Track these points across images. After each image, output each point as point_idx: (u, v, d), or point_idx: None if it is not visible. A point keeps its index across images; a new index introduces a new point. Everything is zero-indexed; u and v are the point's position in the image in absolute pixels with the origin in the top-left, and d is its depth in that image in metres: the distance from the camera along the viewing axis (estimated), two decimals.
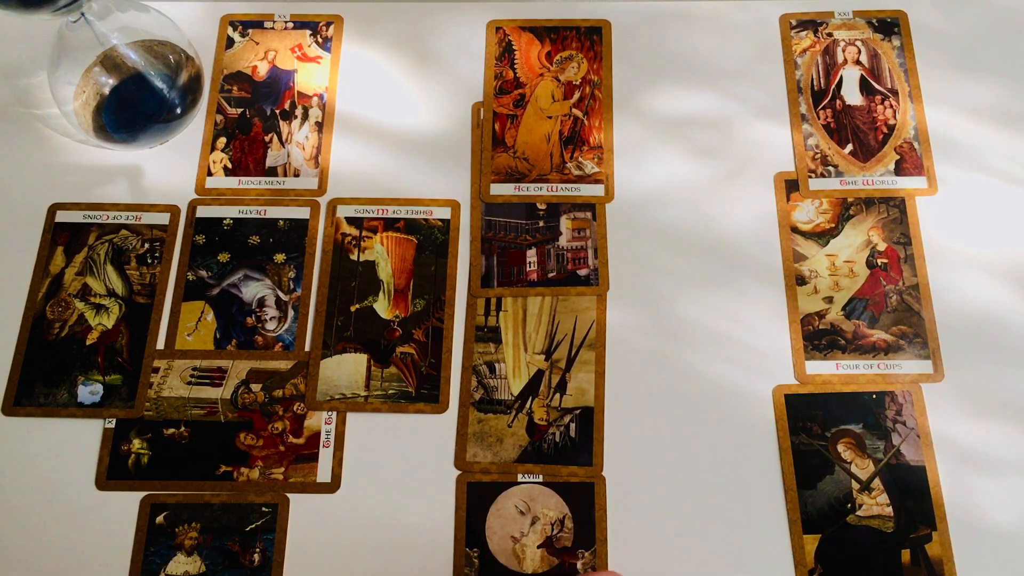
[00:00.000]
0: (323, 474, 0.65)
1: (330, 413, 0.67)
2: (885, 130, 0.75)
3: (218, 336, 0.70)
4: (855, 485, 0.64)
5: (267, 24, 0.80)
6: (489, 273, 0.71)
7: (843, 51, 0.77)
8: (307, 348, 0.69)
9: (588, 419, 0.66)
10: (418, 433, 0.66)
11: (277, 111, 0.77)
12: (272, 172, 0.75)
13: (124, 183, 0.75)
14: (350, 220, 0.73)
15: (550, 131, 0.75)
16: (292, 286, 0.71)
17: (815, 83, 0.77)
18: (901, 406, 0.66)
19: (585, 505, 0.60)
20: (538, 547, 0.58)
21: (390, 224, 0.73)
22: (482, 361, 0.68)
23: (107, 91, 0.74)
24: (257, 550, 0.63)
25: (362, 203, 0.74)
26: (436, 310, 0.70)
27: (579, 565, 0.56)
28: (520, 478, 0.61)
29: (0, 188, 0.75)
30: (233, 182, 0.75)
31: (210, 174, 0.75)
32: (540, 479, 0.60)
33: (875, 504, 0.63)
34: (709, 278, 0.71)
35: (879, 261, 0.70)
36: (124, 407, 0.67)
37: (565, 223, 0.72)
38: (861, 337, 0.68)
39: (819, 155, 0.74)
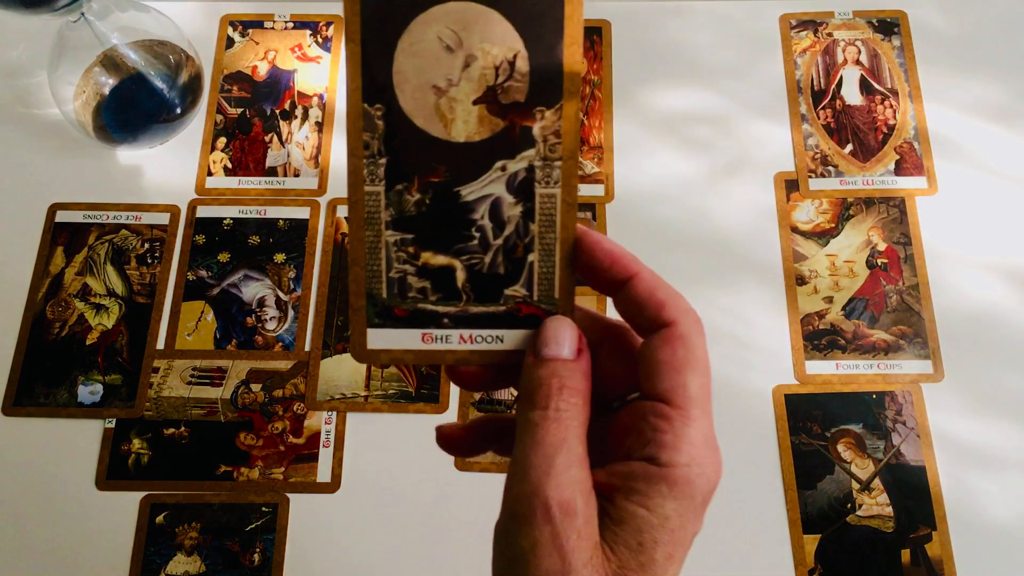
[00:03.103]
0: (323, 474, 0.65)
1: (330, 413, 0.67)
2: (885, 130, 0.75)
3: (218, 336, 0.70)
4: (855, 485, 0.64)
5: (267, 24, 0.80)
6: None
7: (843, 51, 0.77)
8: (307, 348, 0.69)
9: None
10: (418, 433, 0.66)
11: (277, 111, 0.77)
12: (272, 172, 0.75)
13: (124, 183, 0.75)
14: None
15: None
16: (292, 286, 0.71)
17: (815, 83, 0.77)
18: (901, 406, 0.66)
19: (548, 35, 0.35)
20: (474, 102, 0.36)
21: None
22: None
23: (107, 91, 0.74)
24: (257, 550, 0.63)
25: None
26: None
27: (536, 129, 0.35)
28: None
29: (0, 188, 0.75)
30: (233, 182, 0.75)
31: (210, 174, 0.75)
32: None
33: (875, 504, 0.63)
34: (709, 278, 0.71)
35: (879, 261, 0.70)
36: (124, 407, 0.67)
37: None
38: (861, 337, 0.68)
39: (819, 155, 0.74)
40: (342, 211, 0.73)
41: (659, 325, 0.32)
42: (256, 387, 0.68)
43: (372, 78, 0.34)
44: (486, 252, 0.35)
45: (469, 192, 0.35)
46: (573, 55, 0.34)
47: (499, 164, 0.35)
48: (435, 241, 0.35)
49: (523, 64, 0.35)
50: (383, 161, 0.35)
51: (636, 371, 0.33)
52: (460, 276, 0.36)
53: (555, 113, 0.35)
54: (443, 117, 0.36)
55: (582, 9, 0.34)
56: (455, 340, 0.35)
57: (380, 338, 0.36)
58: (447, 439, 0.38)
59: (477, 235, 0.35)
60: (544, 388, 0.31)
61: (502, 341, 0.35)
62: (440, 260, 0.36)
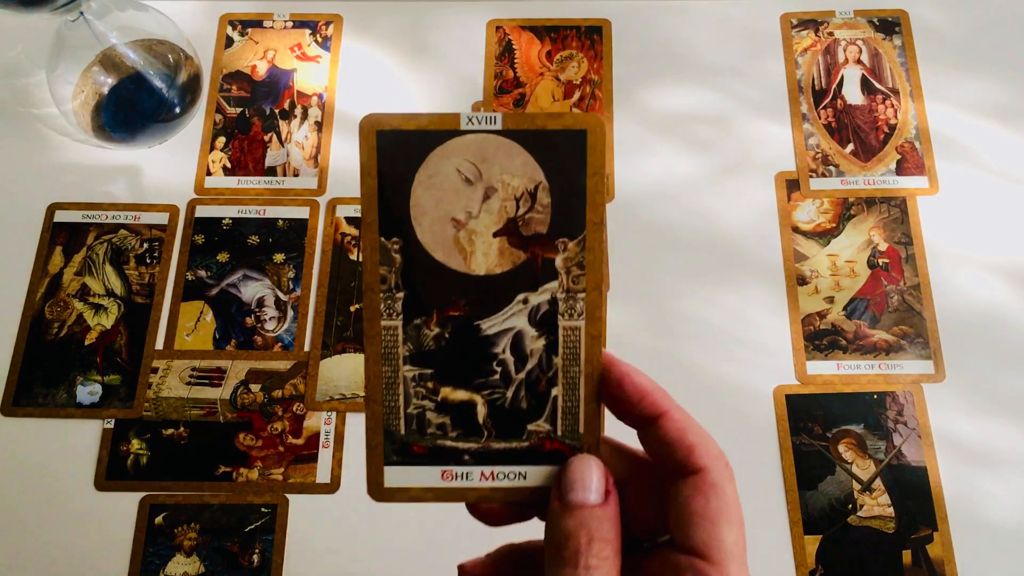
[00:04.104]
0: (322, 475, 0.65)
1: (330, 413, 0.67)
2: (886, 129, 0.74)
3: (217, 336, 0.69)
4: (856, 486, 0.64)
5: (266, 23, 0.80)
6: None
7: (844, 50, 0.77)
8: (306, 348, 0.69)
9: None
10: None
11: (276, 110, 0.77)
12: (271, 172, 0.75)
13: (123, 183, 0.75)
14: (349, 220, 0.73)
15: None
16: (291, 286, 0.71)
17: (816, 82, 0.76)
18: (902, 406, 0.66)
19: (570, 165, 0.35)
20: (495, 235, 0.35)
21: None
22: None
23: (106, 90, 0.73)
24: (256, 551, 0.63)
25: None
26: None
27: (558, 260, 0.34)
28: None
29: None
30: (232, 182, 0.75)
31: (209, 174, 0.75)
32: (499, 125, 0.34)
33: (876, 505, 0.63)
34: (710, 278, 0.70)
35: (880, 261, 0.70)
36: (123, 407, 0.67)
37: None
38: (862, 337, 0.68)
39: (820, 155, 0.74)
40: (341, 211, 0.73)
41: (688, 470, 0.32)
42: (255, 387, 0.68)
43: (389, 211, 0.34)
44: (508, 387, 0.34)
45: (490, 326, 0.34)
46: (596, 185, 0.34)
47: (521, 297, 0.34)
48: (455, 376, 0.34)
49: (544, 195, 0.34)
50: (400, 295, 0.34)
51: (665, 510, 0.32)
52: (481, 411, 0.34)
53: (578, 244, 0.34)
54: (462, 250, 0.35)
55: (604, 140, 0.34)
56: (476, 477, 0.34)
57: (398, 475, 0.35)
58: None
59: (498, 369, 0.34)
60: (572, 542, 0.30)
61: (525, 478, 0.34)
62: (460, 395, 0.35)
